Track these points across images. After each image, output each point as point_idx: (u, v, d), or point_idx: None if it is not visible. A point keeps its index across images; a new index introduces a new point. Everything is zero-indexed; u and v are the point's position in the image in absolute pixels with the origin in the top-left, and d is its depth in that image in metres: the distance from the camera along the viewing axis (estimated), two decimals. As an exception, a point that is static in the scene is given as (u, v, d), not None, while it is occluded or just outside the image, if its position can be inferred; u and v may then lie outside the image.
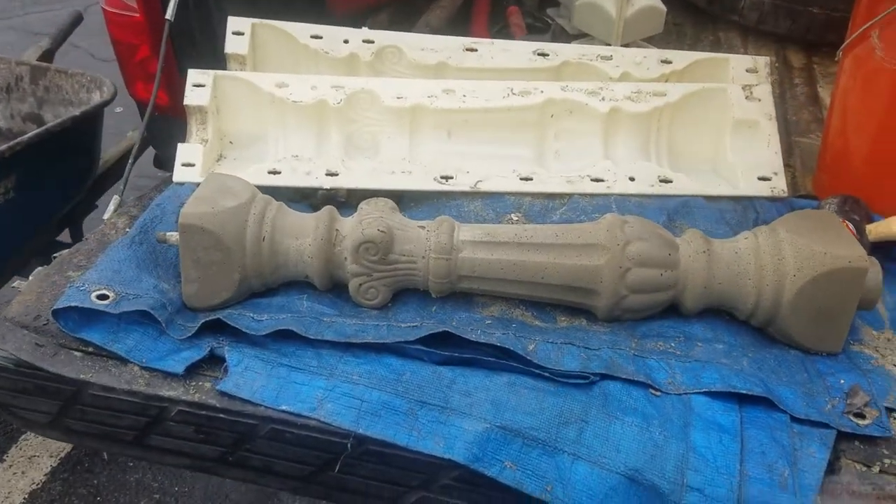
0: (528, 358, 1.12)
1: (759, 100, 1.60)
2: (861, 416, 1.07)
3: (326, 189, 1.53)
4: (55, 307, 1.17)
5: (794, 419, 1.06)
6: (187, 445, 1.17)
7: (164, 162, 1.98)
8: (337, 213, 1.28)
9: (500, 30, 2.26)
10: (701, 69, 1.75)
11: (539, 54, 1.75)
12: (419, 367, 1.13)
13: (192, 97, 1.59)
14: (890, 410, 1.09)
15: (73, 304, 1.16)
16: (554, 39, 2.28)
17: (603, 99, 1.63)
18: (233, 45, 1.71)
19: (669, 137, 1.66)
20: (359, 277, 1.23)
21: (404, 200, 1.56)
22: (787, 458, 1.00)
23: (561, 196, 1.55)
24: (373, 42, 1.75)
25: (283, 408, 1.09)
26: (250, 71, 1.73)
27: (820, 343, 1.19)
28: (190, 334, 1.17)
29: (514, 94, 1.64)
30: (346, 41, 1.75)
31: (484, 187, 1.55)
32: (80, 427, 1.21)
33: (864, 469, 1.02)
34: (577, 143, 1.65)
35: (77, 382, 1.14)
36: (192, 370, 1.15)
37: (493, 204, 1.53)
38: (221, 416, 1.11)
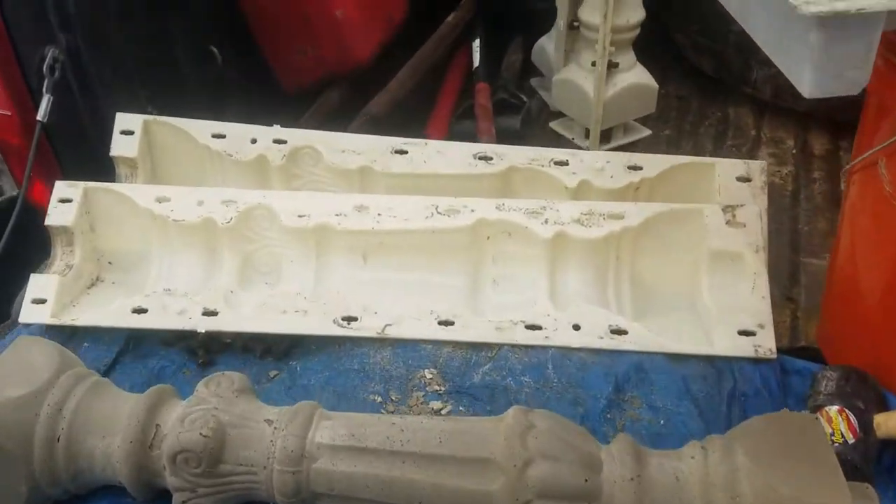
0: None
1: (744, 225, 1.27)
2: None
3: (201, 332, 1.25)
4: None
5: None
6: None
7: None
8: (167, 396, 1.00)
9: (467, 110, 1.97)
10: (680, 176, 1.43)
11: (480, 158, 1.45)
12: None
13: (56, 216, 1.34)
14: None
15: None
16: (527, 121, 1.99)
17: (546, 221, 1.31)
18: (120, 146, 1.46)
19: (632, 271, 1.34)
20: (181, 493, 0.94)
21: (304, 344, 1.28)
22: None
23: (488, 347, 1.24)
24: (285, 142, 1.48)
25: None
26: (145, 176, 1.48)
27: None
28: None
29: (438, 212, 1.34)
30: (253, 141, 1.48)
31: (394, 333, 1.26)
32: None
33: None
34: (519, 272, 1.35)
35: None
36: None
37: (404, 354, 1.24)
38: None
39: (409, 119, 1.96)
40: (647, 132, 1.94)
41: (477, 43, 2.15)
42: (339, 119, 1.92)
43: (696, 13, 2.09)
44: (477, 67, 2.08)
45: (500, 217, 1.33)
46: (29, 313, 1.27)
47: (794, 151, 1.89)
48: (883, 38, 0.93)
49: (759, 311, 1.21)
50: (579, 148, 1.87)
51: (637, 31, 1.77)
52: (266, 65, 2.06)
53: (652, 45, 1.88)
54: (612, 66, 1.76)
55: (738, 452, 0.87)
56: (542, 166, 1.45)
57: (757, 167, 1.40)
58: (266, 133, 1.49)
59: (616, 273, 1.33)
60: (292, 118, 1.96)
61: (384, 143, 1.48)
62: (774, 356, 1.18)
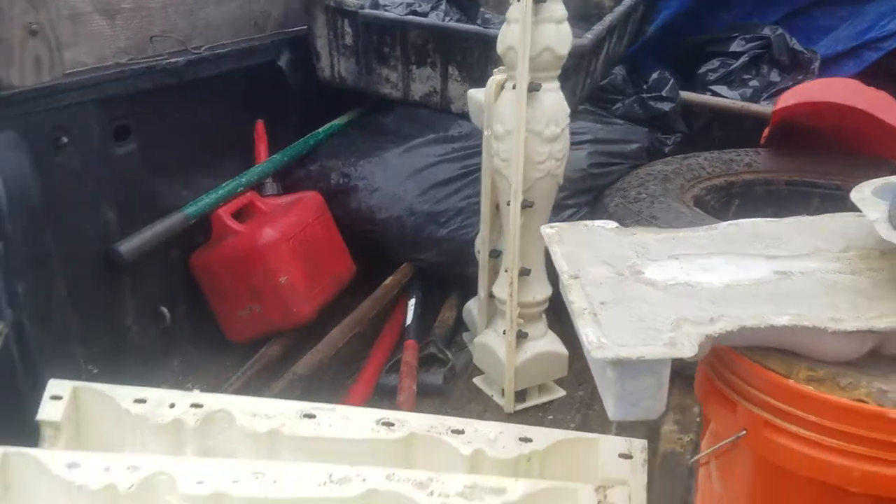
0: None
1: None
2: None
3: None
4: None
5: None
6: None
7: None
8: None
9: (395, 364, 2.11)
10: (567, 450, 1.51)
11: (383, 424, 1.55)
12: None
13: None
14: None
15: None
16: (451, 378, 2.12)
17: (431, 493, 1.38)
18: (47, 410, 1.57)
19: (515, 543, 1.38)
20: None
21: None
22: None
23: None
24: (201, 406, 1.59)
25: None
26: (67, 439, 1.58)
27: None
28: None
29: (332, 481, 1.41)
30: (172, 405, 1.59)
31: None
32: None
33: None
34: (408, 543, 1.39)
35: None
36: None
37: None
38: None
39: (338, 374, 2.10)
40: (561, 393, 2.05)
41: (412, 301, 2.34)
42: (279, 369, 2.06)
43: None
44: (409, 325, 2.25)
45: (390, 488, 1.40)
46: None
47: (698, 419, 1.98)
48: (712, 353, 1.07)
49: None
50: (498, 405, 1.99)
51: (545, 306, 1.95)
52: (213, 319, 2.24)
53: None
54: (521, 336, 1.92)
55: None
56: (440, 434, 1.54)
57: (638, 445, 1.49)
58: (185, 398, 1.60)
59: (499, 547, 1.37)
60: (236, 367, 2.10)
61: (295, 408, 1.59)
62: None
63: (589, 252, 1.17)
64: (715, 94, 2.84)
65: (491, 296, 2.05)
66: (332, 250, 2.36)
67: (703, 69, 2.95)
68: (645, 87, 2.78)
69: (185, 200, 2.11)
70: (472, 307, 2.21)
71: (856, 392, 0.93)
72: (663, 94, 2.71)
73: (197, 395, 1.61)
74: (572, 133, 2.53)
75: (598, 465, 1.47)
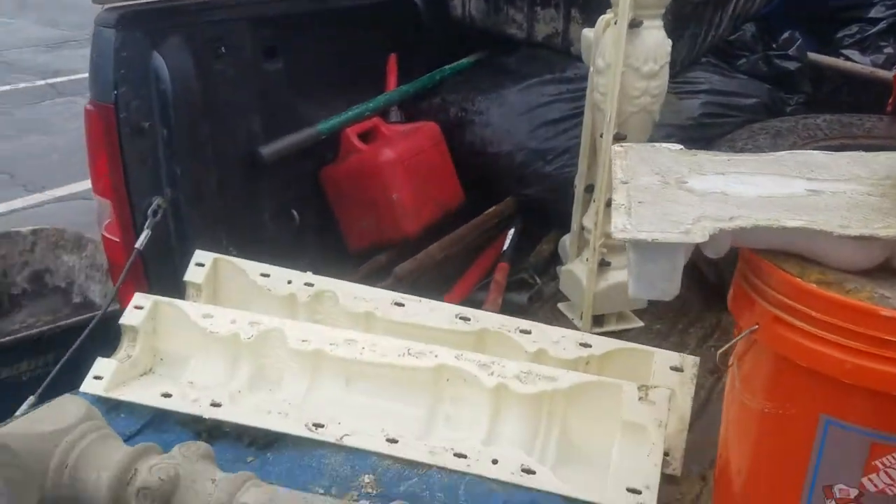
0: None
1: (654, 403, 1.48)
2: None
3: (206, 418, 1.59)
4: None
5: None
6: None
7: None
8: (151, 450, 1.33)
9: (486, 284, 2.31)
10: (623, 358, 1.66)
11: (461, 318, 1.77)
12: None
13: (129, 317, 1.77)
14: None
15: None
16: (535, 300, 2.29)
17: (492, 374, 1.59)
18: (192, 274, 1.90)
19: (563, 426, 1.56)
20: (139, 522, 1.25)
21: (283, 440, 1.57)
22: None
23: (420, 465, 1.49)
24: (312, 285, 1.87)
25: None
26: (206, 298, 1.91)
27: None
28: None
29: (409, 354, 1.65)
30: (289, 282, 1.88)
31: (349, 442, 1.53)
32: None
33: None
34: (467, 413, 1.60)
35: None
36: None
37: (353, 460, 1.51)
38: None
39: (433, 288, 2.33)
40: (639, 324, 2.17)
41: (512, 232, 2.53)
42: (383, 276, 2.32)
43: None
44: (505, 250, 2.44)
45: (457, 365, 1.62)
46: (87, 385, 1.67)
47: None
48: (742, 262, 1.19)
49: (649, 475, 1.40)
50: (577, 329, 2.14)
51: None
52: (336, 228, 2.53)
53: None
54: (604, 265, 2.06)
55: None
56: (510, 331, 1.74)
57: (690, 361, 1.62)
58: (300, 277, 1.89)
59: (547, 426, 1.56)
60: (348, 273, 2.38)
61: (388, 296, 1.83)
62: (653, 514, 1.35)
63: (646, 166, 1.31)
64: (847, 58, 2.77)
65: (582, 228, 2.19)
66: (443, 177, 2.58)
67: (840, 33, 2.88)
68: (774, 45, 2.77)
69: (319, 118, 2.39)
70: (567, 241, 2.36)
71: (859, 295, 1.02)
72: (790, 53, 2.70)
73: (310, 276, 1.89)
74: (688, 82, 2.60)
75: (650, 374, 1.61)
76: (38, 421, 1.32)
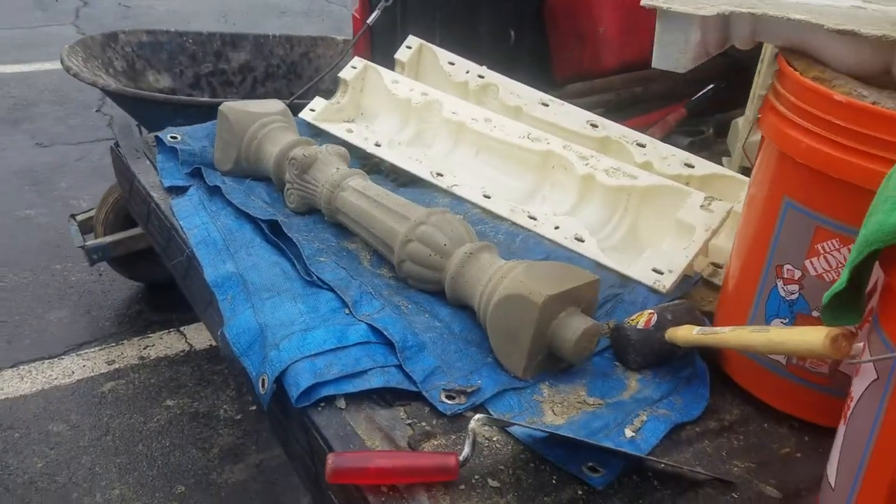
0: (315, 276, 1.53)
1: (712, 212, 1.61)
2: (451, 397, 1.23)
3: (368, 153, 2.07)
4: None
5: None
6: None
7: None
8: (309, 143, 1.84)
9: (658, 127, 2.44)
10: (718, 182, 1.77)
11: (591, 124, 1.99)
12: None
13: (345, 73, 2.29)
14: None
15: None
16: (697, 146, 2.37)
17: (587, 164, 1.82)
18: (401, 53, 2.35)
19: (633, 221, 1.76)
20: (287, 183, 1.77)
21: (417, 180, 2.00)
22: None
23: (501, 218, 1.82)
24: (483, 78, 2.21)
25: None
26: (408, 73, 2.36)
27: (507, 360, 1.32)
28: (188, 171, 1.89)
29: (528, 138, 1.94)
30: (467, 71, 2.24)
31: (456, 191, 1.91)
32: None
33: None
34: (561, 196, 1.87)
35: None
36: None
37: (454, 206, 1.88)
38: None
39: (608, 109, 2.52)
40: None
41: (709, 88, 2.58)
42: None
43: None
44: (693, 99, 2.51)
45: (562, 154, 1.88)
46: (303, 113, 2.24)
47: None
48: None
49: (676, 262, 1.57)
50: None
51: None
52: (547, 54, 2.80)
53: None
54: (763, 114, 2.08)
55: (523, 265, 1.36)
56: (628, 143, 1.92)
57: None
58: (476, 69, 2.24)
59: (620, 217, 1.77)
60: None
61: (538, 96, 2.11)
62: (665, 291, 1.54)
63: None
64: None
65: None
66: (653, 22, 2.67)
67: None
68: None
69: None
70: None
71: (839, 89, 1.10)
72: None
73: (484, 69, 2.22)
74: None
75: (738, 200, 1.72)
76: (250, 105, 1.90)
